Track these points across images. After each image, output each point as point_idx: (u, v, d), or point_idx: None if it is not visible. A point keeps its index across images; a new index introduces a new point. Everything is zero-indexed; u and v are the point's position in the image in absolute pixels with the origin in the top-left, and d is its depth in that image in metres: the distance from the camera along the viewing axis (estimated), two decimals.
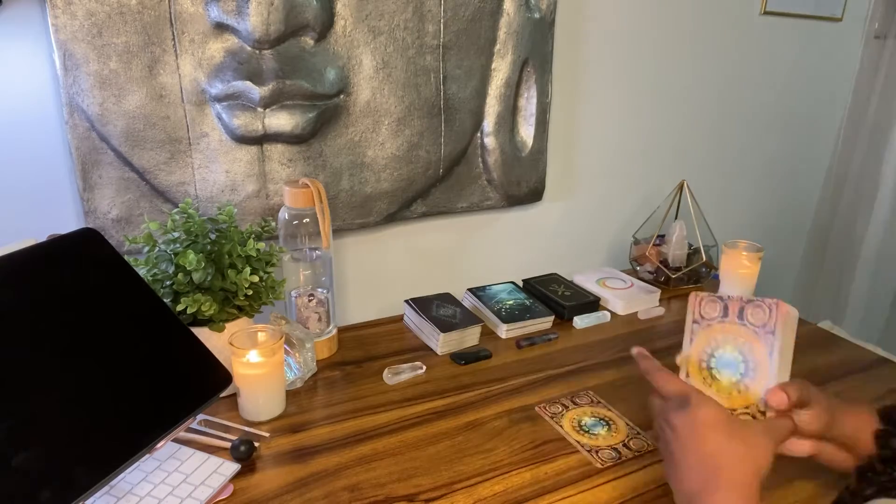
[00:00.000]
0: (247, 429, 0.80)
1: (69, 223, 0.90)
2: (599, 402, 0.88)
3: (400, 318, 1.12)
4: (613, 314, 1.17)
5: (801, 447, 0.65)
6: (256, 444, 0.75)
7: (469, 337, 1.03)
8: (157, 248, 0.82)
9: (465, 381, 0.94)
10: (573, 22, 1.20)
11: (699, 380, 0.69)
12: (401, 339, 1.06)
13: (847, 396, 0.92)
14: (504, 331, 1.07)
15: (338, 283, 1.11)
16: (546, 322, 1.11)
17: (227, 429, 0.79)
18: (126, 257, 0.73)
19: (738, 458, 0.55)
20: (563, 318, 1.13)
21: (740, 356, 0.66)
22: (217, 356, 0.74)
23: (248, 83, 0.88)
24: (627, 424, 0.83)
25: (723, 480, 0.54)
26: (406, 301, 1.09)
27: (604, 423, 0.84)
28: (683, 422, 0.59)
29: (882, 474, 0.53)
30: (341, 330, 1.05)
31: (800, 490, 0.72)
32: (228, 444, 0.75)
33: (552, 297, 1.16)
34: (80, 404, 0.61)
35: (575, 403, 0.88)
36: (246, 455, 0.74)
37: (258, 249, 0.84)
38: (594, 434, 0.81)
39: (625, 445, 0.79)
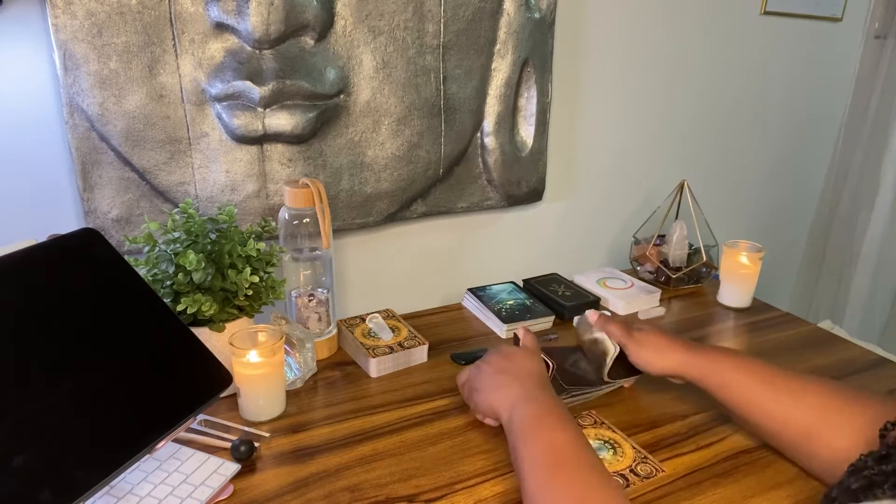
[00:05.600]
0: (247, 429, 0.80)
1: (69, 223, 0.90)
2: (603, 422, 0.84)
3: None
4: (614, 314, 1.17)
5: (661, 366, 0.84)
6: (256, 445, 0.75)
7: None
8: (157, 248, 0.82)
9: None
10: (573, 22, 1.20)
11: None
12: None
13: None
14: (504, 331, 1.07)
15: (338, 283, 1.11)
16: (546, 322, 1.11)
17: (227, 429, 0.79)
18: (126, 257, 0.73)
19: (518, 370, 0.79)
20: (564, 318, 1.13)
21: None
22: (217, 356, 0.74)
23: (248, 83, 0.88)
24: (633, 448, 0.79)
25: (515, 386, 0.76)
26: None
27: (609, 447, 0.79)
28: (475, 376, 0.82)
29: (871, 468, 0.54)
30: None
31: (799, 490, 0.73)
32: (228, 445, 0.75)
33: (552, 297, 1.16)
34: (80, 404, 0.61)
35: (579, 424, 0.82)
36: (246, 455, 0.73)
37: (258, 249, 0.84)
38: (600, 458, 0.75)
39: (632, 471, 0.75)
